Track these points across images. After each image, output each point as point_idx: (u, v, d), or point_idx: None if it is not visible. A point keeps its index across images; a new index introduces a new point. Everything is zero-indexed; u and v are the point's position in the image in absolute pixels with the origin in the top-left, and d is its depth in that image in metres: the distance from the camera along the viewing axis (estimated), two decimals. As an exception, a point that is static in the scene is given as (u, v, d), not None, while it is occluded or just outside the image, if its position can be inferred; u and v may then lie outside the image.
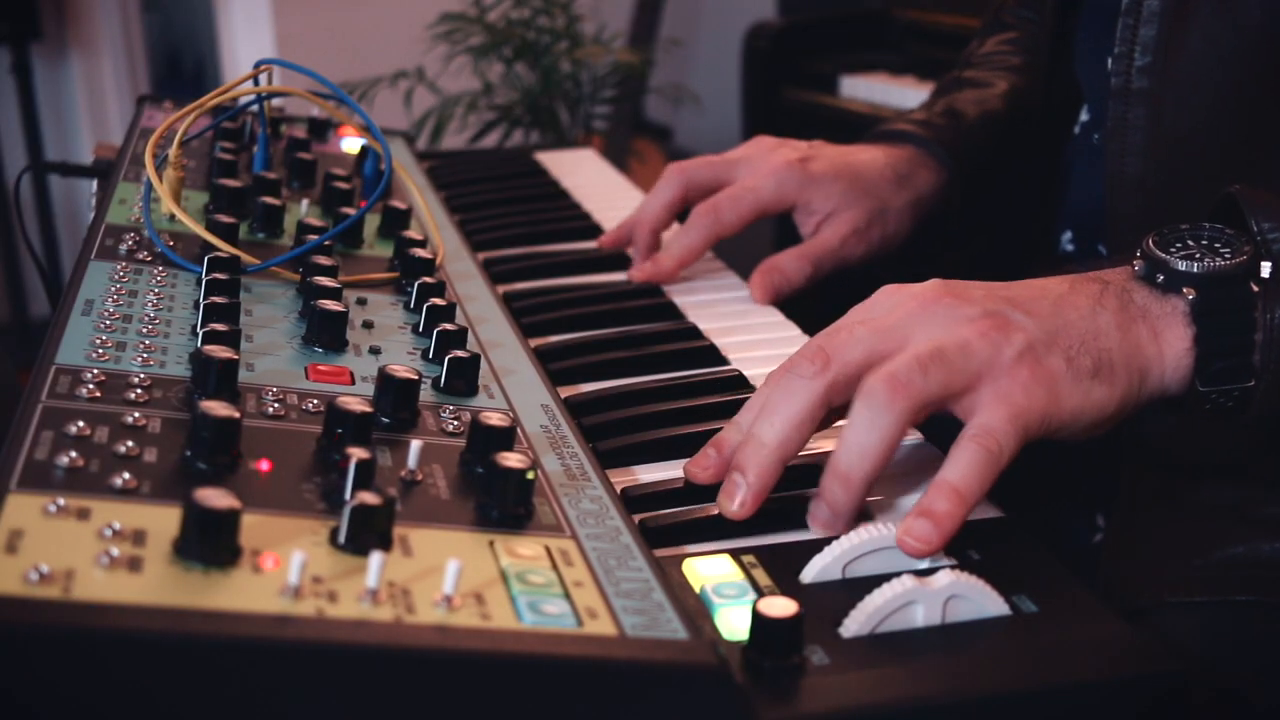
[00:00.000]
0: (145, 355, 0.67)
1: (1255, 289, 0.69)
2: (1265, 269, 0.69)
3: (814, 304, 1.02)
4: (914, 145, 1.07)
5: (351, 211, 0.91)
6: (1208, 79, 0.86)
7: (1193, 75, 0.86)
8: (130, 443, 0.56)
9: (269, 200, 0.91)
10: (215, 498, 0.49)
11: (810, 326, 0.92)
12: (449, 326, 0.75)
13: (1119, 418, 0.69)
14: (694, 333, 0.91)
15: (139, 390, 0.62)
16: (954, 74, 1.19)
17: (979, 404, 0.65)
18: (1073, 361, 0.67)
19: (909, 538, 0.60)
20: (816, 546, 0.60)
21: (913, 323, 0.67)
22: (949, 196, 1.07)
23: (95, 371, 0.63)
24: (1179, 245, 0.71)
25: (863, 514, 0.66)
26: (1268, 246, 0.70)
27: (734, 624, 0.55)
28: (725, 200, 1.00)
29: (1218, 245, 0.71)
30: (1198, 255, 0.70)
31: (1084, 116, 1.04)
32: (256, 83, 0.95)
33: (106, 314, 0.71)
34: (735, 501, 0.65)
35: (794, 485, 0.68)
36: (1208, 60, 0.85)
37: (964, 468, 0.62)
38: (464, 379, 0.72)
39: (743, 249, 1.17)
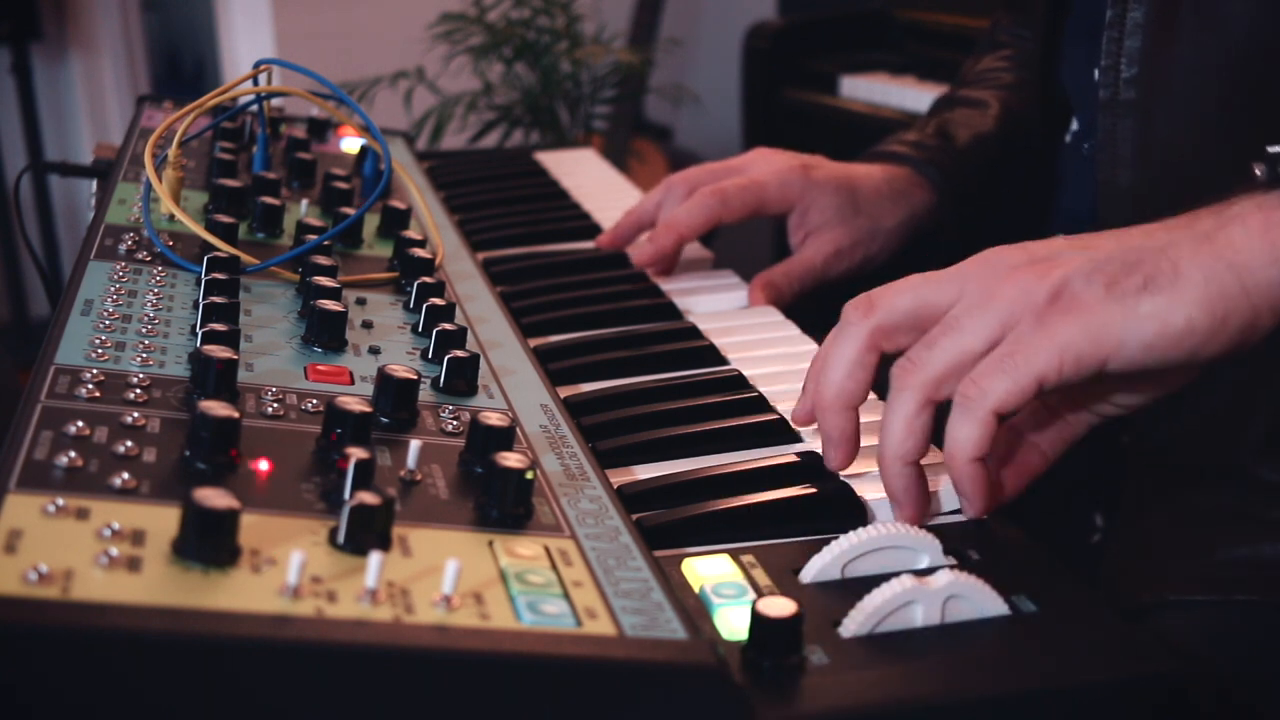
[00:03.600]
0: (145, 355, 0.67)
1: None
2: None
3: (810, 303, 1.03)
4: (908, 165, 1.08)
5: (351, 211, 0.91)
6: (1195, 89, 0.86)
7: (1180, 86, 0.86)
8: (129, 443, 0.56)
9: (268, 200, 0.91)
10: (214, 498, 0.49)
11: (808, 326, 0.93)
12: (448, 326, 0.75)
13: (1217, 329, 0.60)
14: (693, 332, 0.90)
15: (138, 390, 0.62)
16: (948, 93, 1.20)
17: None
18: (1115, 285, 0.60)
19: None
20: (816, 547, 0.60)
21: (961, 273, 0.66)
22: (941, 216, 1.08)
23: (95, 371, 0.63)
24: None
25: (861, 515, 0.67)
26: None
27: (733, 624, 0.55)
28: (733, 188, 1.01)
29: None
30: None
31: (1074, 126, 1.04)
32: (256, 83, 0.95)
33: (106, 314, 0.71)
34: (827, 457, 0.69)
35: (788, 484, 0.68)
36: (1194, 71, 0.85)
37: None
38: (463, 379, 0.72)
39: (742, 251, 1.17)
